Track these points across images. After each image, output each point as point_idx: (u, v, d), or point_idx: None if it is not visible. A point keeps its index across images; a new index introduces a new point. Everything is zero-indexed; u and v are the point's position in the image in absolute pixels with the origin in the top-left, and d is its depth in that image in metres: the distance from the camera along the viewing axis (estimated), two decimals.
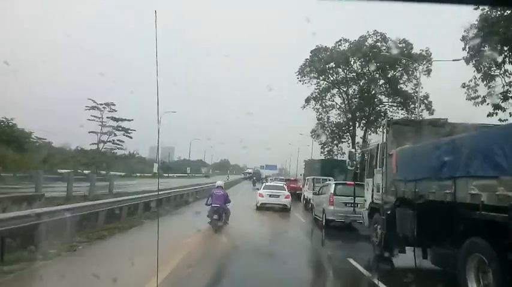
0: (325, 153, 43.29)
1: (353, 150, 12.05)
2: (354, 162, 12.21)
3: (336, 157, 43.27)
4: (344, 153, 42.68)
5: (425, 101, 39.18)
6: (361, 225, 13.80)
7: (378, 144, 10.37)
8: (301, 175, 73.69)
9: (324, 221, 15.92)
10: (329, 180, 23.01)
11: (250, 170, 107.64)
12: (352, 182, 15.99)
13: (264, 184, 22.53)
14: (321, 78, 42.61)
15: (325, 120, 43.26)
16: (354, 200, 13.98)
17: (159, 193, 19.74)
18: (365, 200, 11.97)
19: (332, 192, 15.79)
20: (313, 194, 18.69)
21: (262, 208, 21.30)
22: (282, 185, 23.19)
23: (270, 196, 21.30)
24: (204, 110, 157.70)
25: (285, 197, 21.41)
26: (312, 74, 42.37)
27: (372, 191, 10.20)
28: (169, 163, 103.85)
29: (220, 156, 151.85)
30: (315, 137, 43.88)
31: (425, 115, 38.93)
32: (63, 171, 34.89)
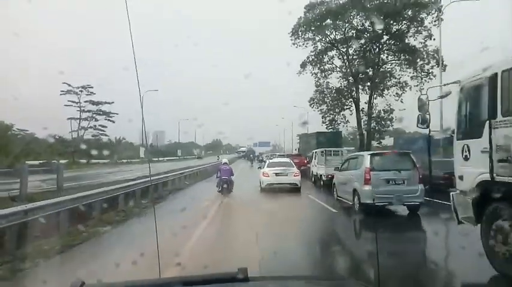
0: (327, 123, 38.57)
1: (425, 95, 6.84)
2: (428, 115, 6.97)
3: (338, 127, 38.68)
4: (348, 121, 38.12)
5: (435, 55, 34.38)
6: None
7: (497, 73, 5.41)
8: (296, 149, 69.81)
9: (358, 205, 11.40)
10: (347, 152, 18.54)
11: (243, 149, 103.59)
12: (391, 151, 11.51)
13: (267, 161, 18.10)
14: (317, 38, 37.48)
15: (325, 86, 38.37)
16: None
17: (135, 181, 15.15)
18: (452, 177, 7.22)
19: (368, 166, 11.17)
20: (336, 169, 14.08)
21: (267, 189, 16.81)
22: (288, 161, 18.71)
23: (277, 174, 16.88)
24: (193, 91, 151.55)
25: (295, 175, 16.97)
26: (307, 34, 37.21)
27: (491, 158, 5.36)
28: (159, 147, 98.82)
29: (212, 136, 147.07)
30: (314, 106, 39.01)
31: (436, 72, 34.43)
32: (34, 163, 30.18)
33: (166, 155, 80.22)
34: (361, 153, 12.70)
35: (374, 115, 36.33)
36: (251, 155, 69.92)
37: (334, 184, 14.46)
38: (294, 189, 16.90)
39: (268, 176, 16.72)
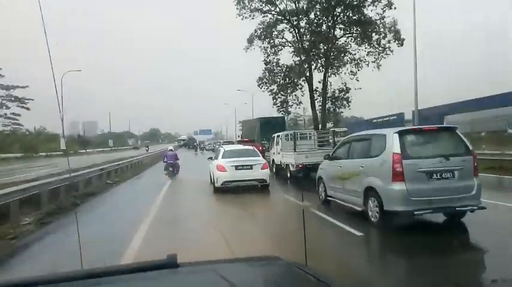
0: (278, 105, 34.31)
1: None
2: None
3: (290, 109, 34.64)
4: (301, 102, 34.14)
5: (392, 28, 31.38)
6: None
7: None
8: (238, 136, 65.81)
9: (377, 214, 7.02)
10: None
11: (184, 137, 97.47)
12: (428, 127, 7.32)
13: (222, 150, 13.03)
14: (266, 9, 32.79)
15: (275, 63, 33.90)
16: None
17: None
18: None
19: (398, 151, 6.75)
20: (326, 158, 9.52)
21: (224, 190, 12.00)
22: (251, 149, 13.63)
23: (238, 168, 11.98)
24: (127, 77, 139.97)
25: (263, 168, 12.16)
26: (254, 4, 32.40)
27: None
28: (90, 138, 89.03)
29: (149, 125, 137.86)
30: (263, 87, 34.47)
31: (394, 47, 31.46)
32: None
33: (97, 147, 71.82)
34: (379, 131, 8.26)
35: (329, 95, 32.69)
36: (195, 144, 65.60)
37: (320, 178, 9.96)
38: (263, 187, 12.31)
39: (226, 171, 11.86)
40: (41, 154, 45.23)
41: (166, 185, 15.10)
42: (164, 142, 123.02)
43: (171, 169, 16.99)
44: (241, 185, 11.81)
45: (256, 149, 13.49)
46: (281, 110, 34.37)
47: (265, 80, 34.59)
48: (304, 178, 14.80)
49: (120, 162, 22.13)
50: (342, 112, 32.32)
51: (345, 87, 32.04)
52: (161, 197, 11.96)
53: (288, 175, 15.13)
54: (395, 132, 6.96)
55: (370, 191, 7.31)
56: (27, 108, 48.36)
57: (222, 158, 12.46)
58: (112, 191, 14.51)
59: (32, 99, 48.42)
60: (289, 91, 33.83)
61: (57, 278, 1.43)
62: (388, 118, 58.02)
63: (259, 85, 35.05)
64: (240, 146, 15.24)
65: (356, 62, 32.49)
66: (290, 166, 14.57)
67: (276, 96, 34.32)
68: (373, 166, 7.31)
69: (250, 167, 11.92)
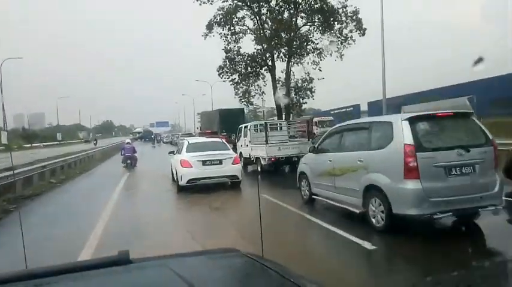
0: (240, 95, 32.73)
1: None
2: None
3: (252, 99, 33.13)
4: (263, 93, 32.73)
5: (354, 17, 30.76)
6: None
7: None
8: (197, 128, 63.72)
9: (384, 219, 5.79)
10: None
11: (139, 129, 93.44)
12: (442, 112, 6.18)
13: (185, 143, 11.20)
14: None
15: (236, 52, 32.19)
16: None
17: None
18: None
19: (411, 142, 5.51)
20: (312, 151, 8.13)
21: (189, 188, 10.33)
22: (219, 141, 11.85)
23: (205, 163, 10.31)
24: (76, 65, 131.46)
25: (234, 163, 10.55)
26: None
27: None
28: (36, 131, 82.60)
29: (102, 118, 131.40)
30: (223, 76, 32.69)
31: (356, 37, 30.85)
32: None
33: (44, 141, 66.57)
34: (383, 118, 6.94)
35: (292, 85, 31.60)
36: (152, 136, 62.85)
37: (302, 173, 8.62)
38: (234, 185, 10.76)
39: (192, 167, 10.22)
40: None
41: (120, 184, 13.19)
42: (118, 135, 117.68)
43: (129, 161, 17.14)
44: (209, 183, 10.22)
45: (225, 142, 11.87)
46: (243, 100, 32.84)
47: (225, 69, 32.88)
48: (275, 172, 13.47)
49: (67, 157, 19.66)
50: (305, 103, 31.27)
51: (308, 78, 31.07)
52: (113, 202, 9.75)
53: (259, 169, 13.70)
54: (406, 119, 5.70)
55: (372, 191, 6.06)
56: None
57: (187, 152, 10.73)
58: (56, 192, 12.35)
59: None
60: (251, 81, 32.34)
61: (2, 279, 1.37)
62: (345, 109, 58.55)
63: (219, 74, 33.31)
64: (207, 139, 13.53)
65: (319, 51, 31.62)
66: (261, 159, 13.15)
67: (238, 86, 32.73)
68: (376, 160, 6.04)
69: (220, 162, 10.32)
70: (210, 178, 10.15)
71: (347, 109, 57.53)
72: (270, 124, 14.79)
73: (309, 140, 13.09)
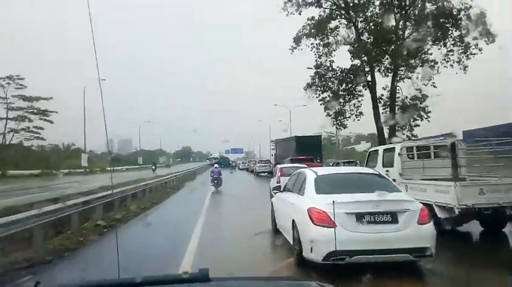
0: (332, 116, 27.16)
1: None
2: None
3: (347, 120, 27.26)
4: (361, 113, 26.72)
5: (478, 21, 23.86)
6: None
7: None
8: (272, 155, 59.01)
9: None
10: None
11: (215, 155, 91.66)
12: None
13: (312, 175, 5.84)
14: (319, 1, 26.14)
15: (327, 67, 26.93)
16: None
17: None
18: None
19: None
20: None
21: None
22: (373, 173, 6.03)
23: (362, 217, 4.73)
24: (159, 94, 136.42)
25: (420, 220, 4.83)
26: None
27: None
28: (122, 155, 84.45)
29: (181, 143, 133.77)
30: (312, 95, 27.52)
31: (484, 46, 23.78)
32: None
33: (127, 164, 66.54)
34: None
35: (398, 103, 25.33)
36: (230, 162, 60.75)
37: None
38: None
39: (334, 225, 4.70)
40: (62, 171, 39.79)
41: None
42: (195, 160, 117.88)
43: (216, 181, 19.38)
44: (372, 261, 4.69)
45: (384, 175, 6.33)
46: (336, 122, 27.17)
47: (314, 86, 27.66)
48: (466, 236, 7.43)
49: (136, 185, 15.49)
50: (417, 125, 24.61)
51: (420, 95, 24.56)
52: None
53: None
54: None
55: None
56: (51, 121, 43.44)
57: (318, 193, 5.42)
58: (91, 250, 7.56)
59: (56, 112, 43.54)
60: (347, 99, 26.66)
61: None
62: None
63: (306, 92, 28.11)
64: (341, 168, 8.08)
65: (431, 64, 25.07)
66: (437, 209, 7.11)
67: (329, 106, 27.20)
68: None
69: (392, 217, 4.80)
70: (375, 252, 4.61)
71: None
72: (432, 146, 8.73)
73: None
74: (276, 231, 7.61)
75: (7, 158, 36.75)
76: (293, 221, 5.77)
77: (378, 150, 9.45)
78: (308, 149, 27.66)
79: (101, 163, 59.02)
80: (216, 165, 21.33)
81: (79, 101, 42.21)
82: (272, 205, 8.20)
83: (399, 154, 8.26)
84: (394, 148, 8.74)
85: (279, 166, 16.32)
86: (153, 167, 40.96)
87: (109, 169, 48.07)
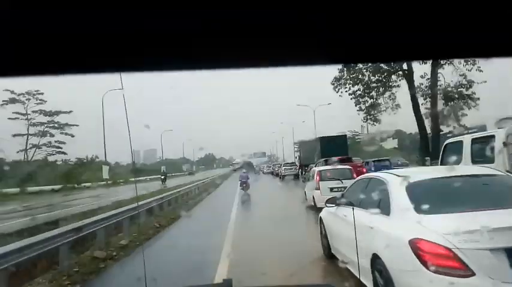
0: (364, 110, 24.63)
1: None
2: None
3: (381, 114, 24.68)
4: (398, 105, 24.10)
5: None
6: None
7: None
8: (296, 157, 56.57)
9: None
10: None
11: (238, 161, 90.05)
12: None
13: (403, 176, 3.95)
14: None
15: None
16: None
17: None
18: None
19: None
20: None
21: None
22: None
23: None
24: (183, 101, 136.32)
25: None
26: None
27: None
28: (145, 165, 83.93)
29: (203, 151, 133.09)
30: (340, 89, 25.07)
31: None
32: None
33: (151, 174, 65.53)
34: None
35: (440, 92, 22.52)
36: (254, 167, 59.39)
37: None
38: None
39: (473, 273, 2.38)
40: (84, 184, 38.74)
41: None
42: (219, 167, 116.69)
43: (244, 185, 20.46)
44: None
45: None
46: (369, 117, 24.58)
47: (343, 80, 25.21)
48: None
49: (145, 201, 13.42)
50: (465, 115, 21.78)
51: (465, 81, 21.70)
52: None
53: None
54: None
55: None
56: (72, 135, 42.61)
57: (418, 210, 3.05)
58: None
59: (77, 125, 42.67)
60: (380, 91, 24.07)
61: None
62: None
63: (335, 87, 25.70)
64: (437, 169, 5.75)
65: None
66: None
67: (361, 100, 24.68)
68: None
69: None
70: None
71: None
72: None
73: None
74: (330, 256, 5.52)
75: (29, 174, 35.98)
76: (374, 256, 3.48)
77: (461, 141, 6.96)
78: (334, 149, 25.70)
79: (124, 175, 58.12)
80: (244, 170, 22.76)
81: (100, 113, 41.27)
82: (321, 221, 5.99)
83: (505, 144, 5.75)
84: (492, 135, 6.24)
85: (315, 169, 13.97)
86: (163, 177, 33.67)
87: (132, 179, 46.85)
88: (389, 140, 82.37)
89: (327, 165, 16.26)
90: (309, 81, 45.89)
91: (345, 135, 42.93)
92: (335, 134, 39.52)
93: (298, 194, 15.76)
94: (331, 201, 5.42)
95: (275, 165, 55.27)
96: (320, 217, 6.13)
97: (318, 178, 12.18)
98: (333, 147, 27.56)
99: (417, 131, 23.10)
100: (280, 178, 39.18)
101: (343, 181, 11.38)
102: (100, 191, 28.24)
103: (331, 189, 11.41)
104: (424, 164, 18.51)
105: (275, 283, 4.01)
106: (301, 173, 38.62)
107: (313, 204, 11.90)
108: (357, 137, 77.02)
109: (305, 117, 72.17)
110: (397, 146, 76.70)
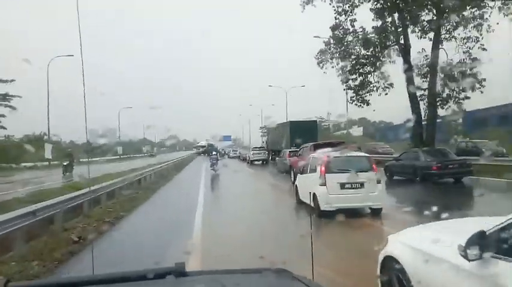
0: (353, 88, 21.67)
1: None
2: None
3: (370, 96, 21.77)
4: (391, 84, 21.25)
5: None
6: None
7: None
8: (263, 142, 54.30)
9: None
10: None
11: (202, 143, 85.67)
12: None
13: None
14: None
15: (348, 29, 21.22)
16: None
17: None
18: None
19: None
20: None
21: None
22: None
23: None
24: (139, 78, 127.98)
25: None
26: None
27: None
28: (100, 145, 77.54)
29: (168, 132, 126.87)
30: (325, 64, 21.88)
31: None
32: None
33: (106, 154, 60.03)
34: None
35: (440, 69, 19.89)
36: (214, 152, 52.77)
37: None
38: None
39: None
40: (24, 164, 33.29)
41: None
42: (182, 149, 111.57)
43: (214, 165, 23.57)
44: None
45: None
46: (358, 97, 21.63)
47: (330, 53, 22.06)
48: None
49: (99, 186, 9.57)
50: (467, 97, 19.32)
51: (469, 59, 19.15)
52: None
53: None
54: None
55: None
56: (13, 108, 36.67)
57: None
58: None
59: (20, 97, 36.76)
60: (372, 68, 21.13)
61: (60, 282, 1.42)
62: None
63: (319, 62, 22.48)
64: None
65: (478, 21, 19.60)
66: None
67: (349, 77, 21.65)
68: None
69: None
70: None
71: None
72: None
73: None
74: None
75: None
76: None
77: None
78: (303, 134, 24.71)
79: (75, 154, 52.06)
80: (214, 153, 25.67)
81: (51, 83, 35.48)
82: None
83: None
84: None
85: (318, 156, 9.84)
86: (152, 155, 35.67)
87: (83, 160, 41.61)
88: (355, 128, 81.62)
89: (320, 150, 12.37)
90: (282, 62, 42.66)
91: (316, 121, 41.06)
92: (305, 119, 37.41)
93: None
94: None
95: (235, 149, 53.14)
96: None
97: (323, 169, 8.64)
98: (303, 132, 26.23)
99: (382, 119, 20.61)
100: (248, 163, 36.35)
101: (358, 173, 8.17)
102: (37, 174, 23.56)
103: (343, 185, 8.18)
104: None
105: None
106: (270, 158, 36.26)
107: (312, 205, 8.52)
108: (323, 124, 75.38)
109: (276, 101, 69.23)
110: (361, 134, 76.09)
